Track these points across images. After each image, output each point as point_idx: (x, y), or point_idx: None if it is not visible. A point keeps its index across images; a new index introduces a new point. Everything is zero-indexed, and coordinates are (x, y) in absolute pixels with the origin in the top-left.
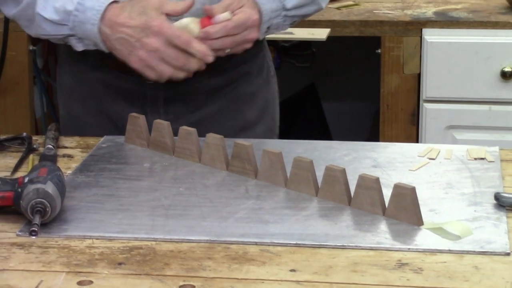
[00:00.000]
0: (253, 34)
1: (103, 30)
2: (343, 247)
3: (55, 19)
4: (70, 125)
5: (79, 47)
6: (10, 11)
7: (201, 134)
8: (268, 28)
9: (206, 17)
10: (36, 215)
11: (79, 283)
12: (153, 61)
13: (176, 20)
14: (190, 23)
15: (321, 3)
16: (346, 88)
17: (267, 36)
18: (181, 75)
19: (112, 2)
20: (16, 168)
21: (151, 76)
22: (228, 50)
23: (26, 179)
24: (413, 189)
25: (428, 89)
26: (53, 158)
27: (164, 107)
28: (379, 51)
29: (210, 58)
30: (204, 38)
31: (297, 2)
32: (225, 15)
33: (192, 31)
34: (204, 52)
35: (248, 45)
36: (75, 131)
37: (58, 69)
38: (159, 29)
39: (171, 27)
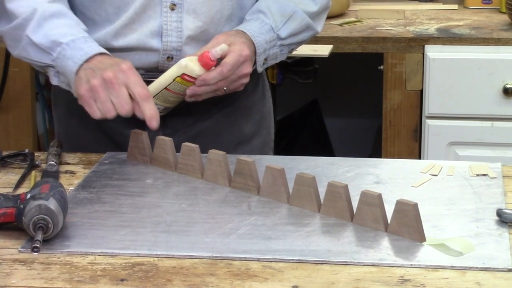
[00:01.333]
0: (247, 69)
1: (80, 74)
2: (345, 263)
3: (43, 45)
4: (68, 142)
5: (54, 80)
6: (1, 27)
7: (199, 148)
8: (266, 59)
9: (203, 53)
10: (38, 232)
11: None
12: (103, 92)
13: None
14: (188, 63)
15: (316, 27)
16: (349, 104)
17: None
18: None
19: (103, 53)
20: (18, 184)
21: (94, 111)
22: (225, 88)
23: (28, 196)
24: (415, 205)
25: (431, 105)
26: (55, 175)
27: (162, 121)
28: (382, 67)
29: (155, 125)
30: (201, 86)
31: (291, 30)
32: (222, 47)
33: (192, 70)
34: (152, 117)
35: (245, 80)
36: (73, 148)
37: (53, 85)
38: (127, 70)
39: (138, 75)
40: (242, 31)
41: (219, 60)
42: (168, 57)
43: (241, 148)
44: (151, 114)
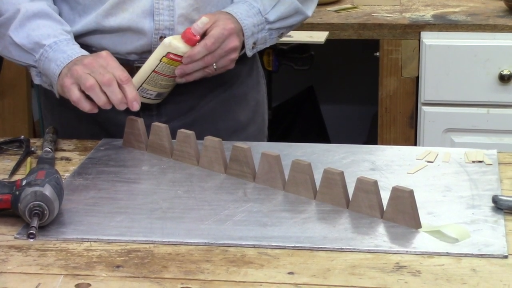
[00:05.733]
0: (233, 43)
1: (62, 72)
2: (341, 250)
3: (25, 46)
4: (62, 134)
5: (36, 80)
6: None
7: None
8: (255, 43)
9: (185, 30)
10: (34, 218)
11: (77, 286)
12: (83, 72)
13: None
14: (172, 41)
15: (306, 12)
16: (345, 91)
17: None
18: (102, 98)
19: (83, 55)
20: (14, 171)
21: (74, 94)
22: (215, 66)
23: (24, 182)
24: (411, 192)
25: (427, 92)
26: (51, 161)
27: (156, 109)
28: (378, 54)
29: (136, 106)
30: (188, 63)
31: (280, 14)
32: (203, 20)
33: (177, 48)
34: (133, 99)
35: (234, 56)
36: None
37: None
38: (106, 56)
39: (116, 61)
40: (229, 13)
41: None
42: (161, 37)
43: (236, 136)
44: (132, 96)
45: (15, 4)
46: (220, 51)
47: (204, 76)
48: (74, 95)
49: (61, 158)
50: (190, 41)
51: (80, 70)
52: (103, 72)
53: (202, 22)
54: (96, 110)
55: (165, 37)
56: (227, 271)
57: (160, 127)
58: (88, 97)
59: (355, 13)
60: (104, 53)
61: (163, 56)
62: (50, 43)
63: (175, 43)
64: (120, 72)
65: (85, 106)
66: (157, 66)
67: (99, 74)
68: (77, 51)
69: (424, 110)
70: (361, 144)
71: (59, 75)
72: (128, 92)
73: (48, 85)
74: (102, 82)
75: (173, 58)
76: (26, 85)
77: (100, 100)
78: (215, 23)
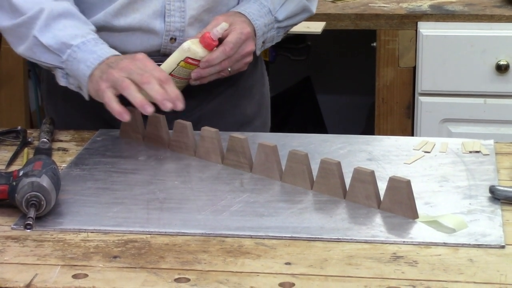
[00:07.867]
0: (250, 47)
1: (94, 73)
2: (338, 240)
3: (52, 47)
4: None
5: (62, 81)
6: (2, 22)
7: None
8: (263, 42)
9: (203, 34)
10: (31, 209)
11: (74, 276)
12: (120, 77)
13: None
14: (191, 45)
15: (311, 9)
16: (342, 81)
17: None
18: (138, 97)
19: (115, 55)
20: (11, 161)
21: (109, 99)
22: (229, 69)
23: (21, 173)
24: (408, 182)
25: (424, 82)
26: (48, 152)
27: None
28: (375, 44)
29: (180, 106)
30: (206, 67)
31: (288, 13)
32: (223, 26)
33: (195, 53)
34: (177, 98)
35: (249, 59)
36: None
37: (46, 73)
38: (142, 58)
39: (154, 62)
40: (241, 13)
41: (220, 40)
42: (171, 38)
43: (243, 129)
44: (175, 95)
45: (38, 3)
46: (237, 55)
47: (218, 78)
48: (107, 96)
49: (58, 149)
50: (209, 46)
51: (116, 74)
52: (141, 73)
53: (221, 28)
54: (127, 117)
55: (175, 39)
56: (224, 262)
57: (157, 118)
58: (123, 102)
59: (352, 3)
60: (140, 55)
61: (181, 60)
62: (78, 43)
63: (194, 48)
64: (159, 73)
65: (114, 107)
66: (174, 69)
67: (137, 75)
68: (106, 51)
69: (421, 100)
70: (358, 134)
71: (89, 76)
72: (170, 91)
73: (75, 86)
74: (141, 81)
75: (191, 62)
76: (23, 76)
77: (136, 99)
78: (232, 26)
